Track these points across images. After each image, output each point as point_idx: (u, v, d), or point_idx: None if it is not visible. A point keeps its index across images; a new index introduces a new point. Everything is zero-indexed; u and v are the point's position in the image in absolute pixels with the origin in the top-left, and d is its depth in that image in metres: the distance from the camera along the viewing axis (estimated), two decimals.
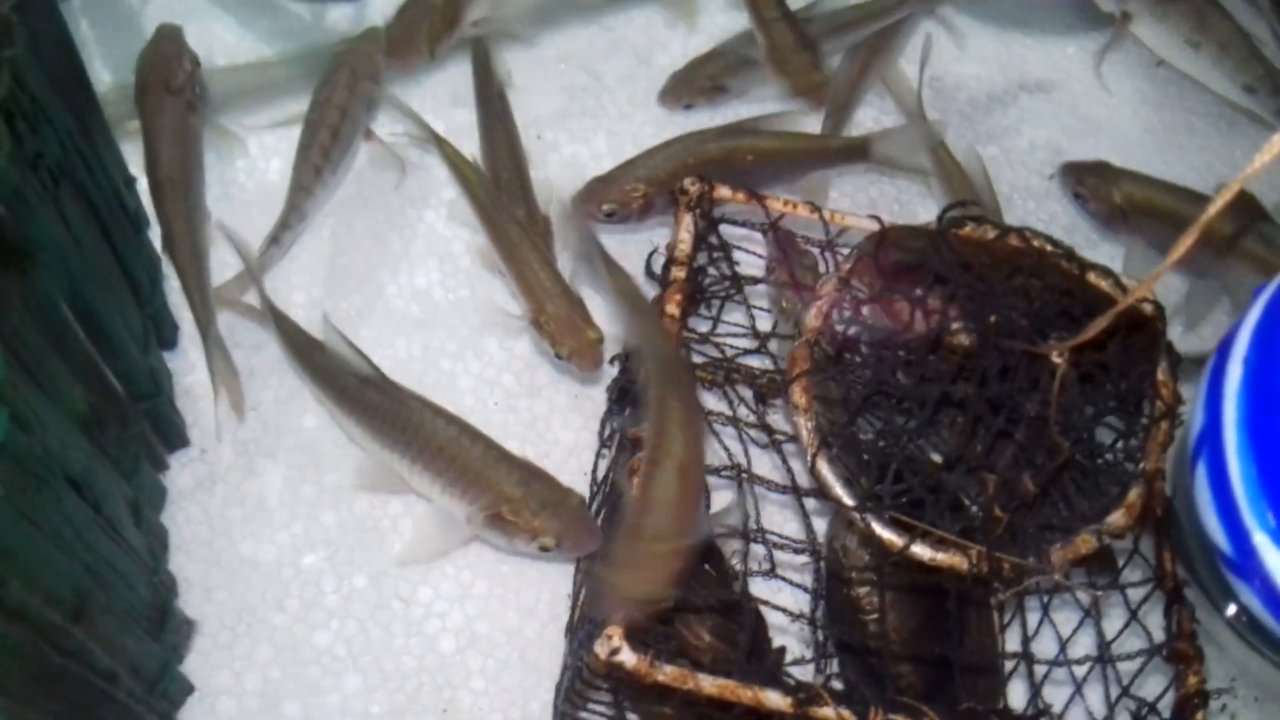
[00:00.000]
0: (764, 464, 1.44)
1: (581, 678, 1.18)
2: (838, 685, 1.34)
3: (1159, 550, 1.30)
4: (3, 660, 0.94)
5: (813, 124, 1.85)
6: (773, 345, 1.48)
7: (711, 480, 1.35)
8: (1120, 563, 1.34)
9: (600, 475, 1.46)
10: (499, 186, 1.68)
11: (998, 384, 1.26)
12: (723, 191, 1.42)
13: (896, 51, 1.93)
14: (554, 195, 1.70)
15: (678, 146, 1.69)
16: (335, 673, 1.43)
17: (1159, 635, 1.29)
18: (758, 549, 1.31)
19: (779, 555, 1.30)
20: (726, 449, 1.35)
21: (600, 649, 1.10)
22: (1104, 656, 1.30)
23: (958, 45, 2.00)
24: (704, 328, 1.47)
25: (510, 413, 1.61)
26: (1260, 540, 1.24)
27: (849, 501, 1.25)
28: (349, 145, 1.70)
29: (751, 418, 1.43)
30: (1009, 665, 1.38)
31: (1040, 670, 1.31)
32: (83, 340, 1.26)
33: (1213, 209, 0.95)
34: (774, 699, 1.12)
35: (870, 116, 1.90)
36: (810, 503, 1.35)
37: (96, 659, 1.11)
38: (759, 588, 1.31)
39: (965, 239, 1.37)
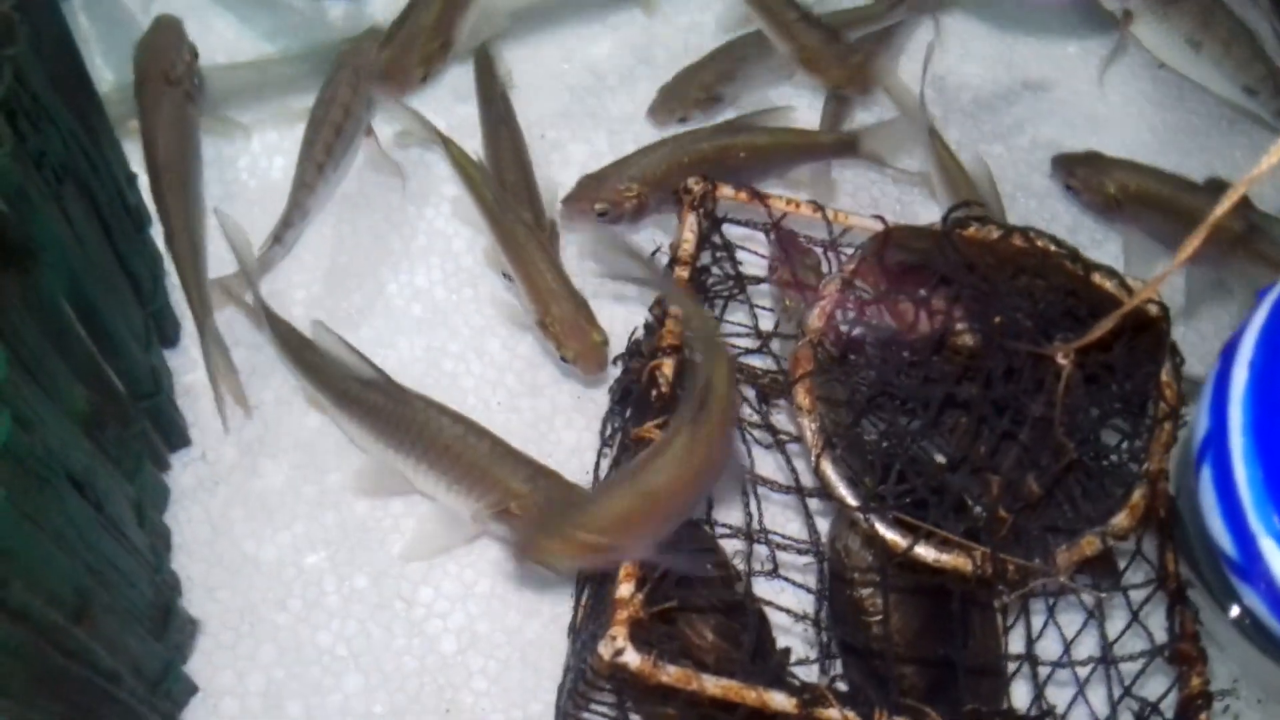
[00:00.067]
0: (767, 464, 1.44)
1: (585, 678, 1.18)
2: (842, 687, 1.33)
3: (1162, 551, 1.30)
4: (5, 661, 0.94)
5: (810, 120, 1.85)
6: (775, 345, 1.48)
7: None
8: (1123, 564, 1.33)
9: (603, 475, 1.45)
10: (504, 188, 1.67)
11: (1002, 385, 1.25)
12: (726, 191, 1.41)
13: (896, 49, 1.92)
14: (558, 197, 1.69)
15: (671, 145, 1.69)
16: (337, 673, 1.43)
17: (1161, 636, 1.29)
18: (760, 549, 1.30)
19: (782, 555, 1.29)
20: None
21: (604, 649, 1.10)
22: (1107, 657, 1.29)
23: (960, 45, 2.00)
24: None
25: (513, 413, 1.60)
26: (1266, 545, 1.24)
27: (853, 502, 1.24)
28: (352, 143, 1.70)
29: (755, 417, 1.43)
30: (1012, 666, 1.37)
31: (1043, 671, 1.31)
32: (84, 339, 1.26)
33: (1218, 211, 0.95)
34: (779, 700, 1.11)
35: (873, 116, 1.89)
36: (813, 503, 1.34)
37: (99, 659, 1.11)
38: (762, 588, 1.31)
39: (969, 239, 1.36)
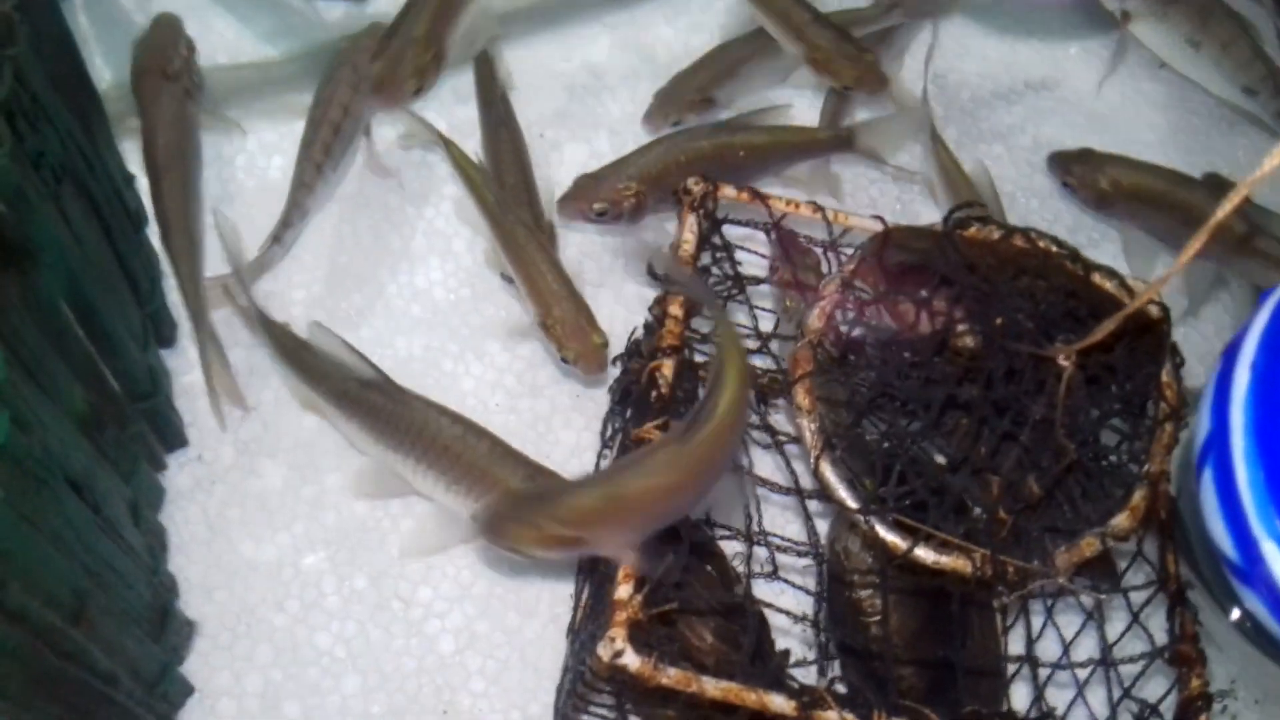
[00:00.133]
0: (766, 464, 1.44)
1: (584, 680, 1.17)
2: (841, 688, 1.33)
3: (1162, 552, 1.29)
4: (2, 663, 0.94)
5: (809, 117, 1.85)
6: (775, 345, 1.48)
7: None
8: (1123, 565, 1.33)
9: None
10: (503, 189, 1.67)
11: (1003, 386, 1.25)
12: (727, 191, 1.41)
13: (898, 50, 1.92)
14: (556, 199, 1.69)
15: (669, 144, 1.69)
16: (335, 674, 1.43)
17: (1160, 637, 1.29)
18: (759, 550, 1.30)
19: (781, 557, 1.29)
20: None
21: (603, 651, 1.10)
22: (1106, 659, 1.29)
23: (960, 44, 1.99)
24: (706, 327, 1.46)
25: (512, 413, 1.60)
26: (1268, 548, 1.24)
27: (852, 504, 1.24)
28: (351, 143, 1.70)
29: (753, 418, 1.42)
30: (1011, 668, 1.37)
31: (1043, 673, 1.31)
32: (83, 340, 1.25)
33: (1220, 213, 0.94)
34: (778, 702, 1.11)
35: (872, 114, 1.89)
36: (812, 504, 1.34)
37: (96, 661, 1.11)
38: (761, 589, 1.31)
39: (970, 240, 1.36)
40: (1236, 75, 1.94)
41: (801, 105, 1.86)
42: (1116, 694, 1.29)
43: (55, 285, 1.20)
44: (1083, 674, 1.32)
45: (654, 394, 1.27)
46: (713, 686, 1.11)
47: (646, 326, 1.44)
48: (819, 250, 1.43)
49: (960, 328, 1.29)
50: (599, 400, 1.58)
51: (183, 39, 1.66)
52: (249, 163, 1.73)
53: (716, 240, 1.42)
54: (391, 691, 1.42)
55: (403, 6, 1.70)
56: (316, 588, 1.47)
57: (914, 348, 1.30)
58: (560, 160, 1.79)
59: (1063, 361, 1.22)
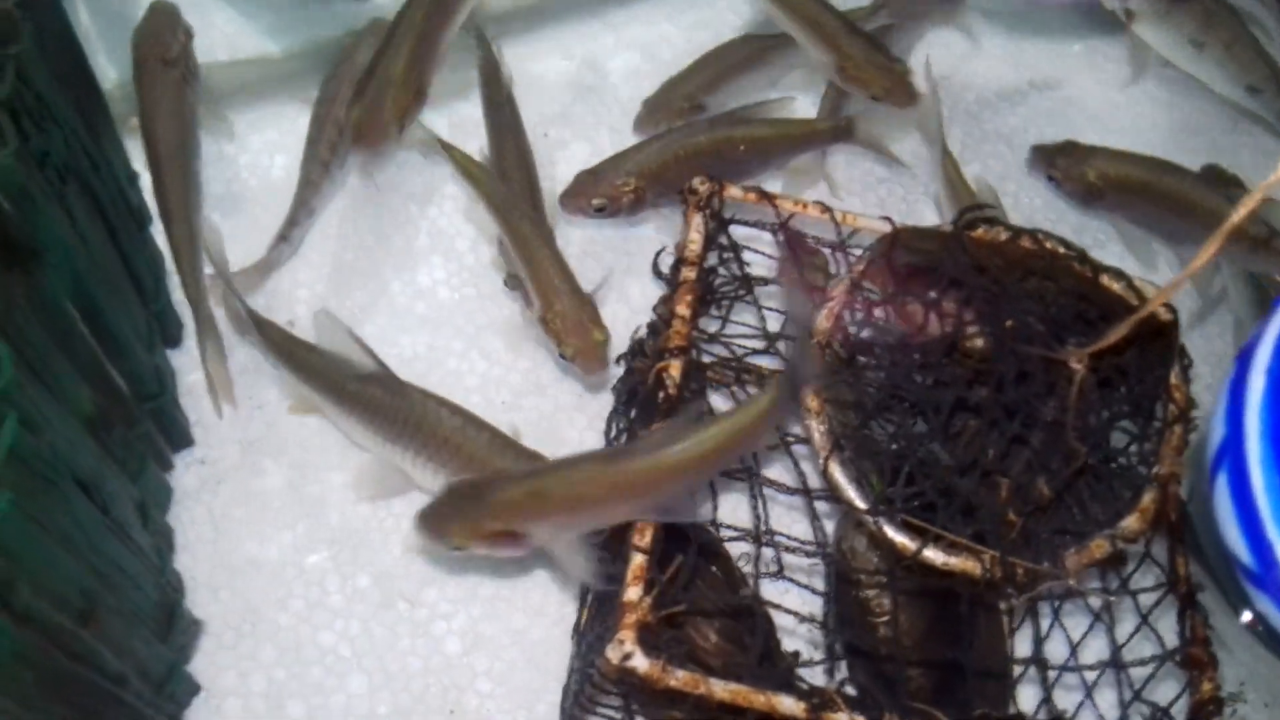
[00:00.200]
0: (772, 464, 1.43)
1: (592, 682, 1.17)
2: (849, 689, 1.33)
3: (1172, 555, 1.29)
4: (12, 665, 0.93)
5: (807, 111, 1.85)
6: (782, 345, 1.47)
7: (723, 483, 1.35)
8: (1131, 567, 1.33)
9: None
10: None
11: (1014, 389, 1.25)
12: (733, 191, 1.40)
13: (900, 48, 1.91)
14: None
15: (668, 139, 1.68)
16: (340, 673, 1.42)
17: (1170, 639, 1.29)
18: (765, 550, 1.30)
19: (787, 556, 1.29)
20: None
21: (612, 654, 1.10)
22: (1117, 661, 1.29)
23: (964, 44, 1.99)
24: (712, 327, 1.46)
25: (516, 411, 1.60)
26: None
27: (861, 505, 1.24)
28: None
29: None
30: (1019, 669, 1.37)
31: (1051, 675, 1.31)
32: (89, 340, 1.25)
33: (1235, 217, 0.94)
34: (787, 704, 1.11)
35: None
36: (819, 504, 1.34)
37: (105, 662, 1.10)
38: (766, 589, 1.30)
39: (977, 241, 1.36)
40: (1240, 74, 1.93)
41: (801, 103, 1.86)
42: (1125, 696, 1.29)
43: (60, 285, 1.20)
44: (1091, 676, 1.32)
45: (661, 395, 1.27)
46: (721, 688, 1.11)
47: (651, 326, 1.44)
48: (827, 250, 1.42)
49: (970, 330, 1.29)
50: (603, 399, 1.57)
51: (180, 25, 1.66)
52: (252, 162, 1.73)
53: (723, 240, 1.41)
54: (397, 691, 1.42)
55: (380, 45, 1.66)
56: (321, 587, 1.46)
57: (923, 349, 1.30)
58: (564, 159, 1.78)
59: (1074, 364, 1.22)
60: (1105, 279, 1.35)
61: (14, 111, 1.12)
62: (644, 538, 1.18)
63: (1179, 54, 1.97)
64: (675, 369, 1.28)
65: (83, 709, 1.07)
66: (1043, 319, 1.29)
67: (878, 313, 1.32)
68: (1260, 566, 1.25)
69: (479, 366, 1.62)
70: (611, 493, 1.22)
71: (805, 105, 1.86)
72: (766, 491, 1.32)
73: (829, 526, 1.40)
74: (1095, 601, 1.35)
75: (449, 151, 1.67)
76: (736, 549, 1.34)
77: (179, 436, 1.49)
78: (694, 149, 1.66)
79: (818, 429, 1.28)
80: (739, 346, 1.46)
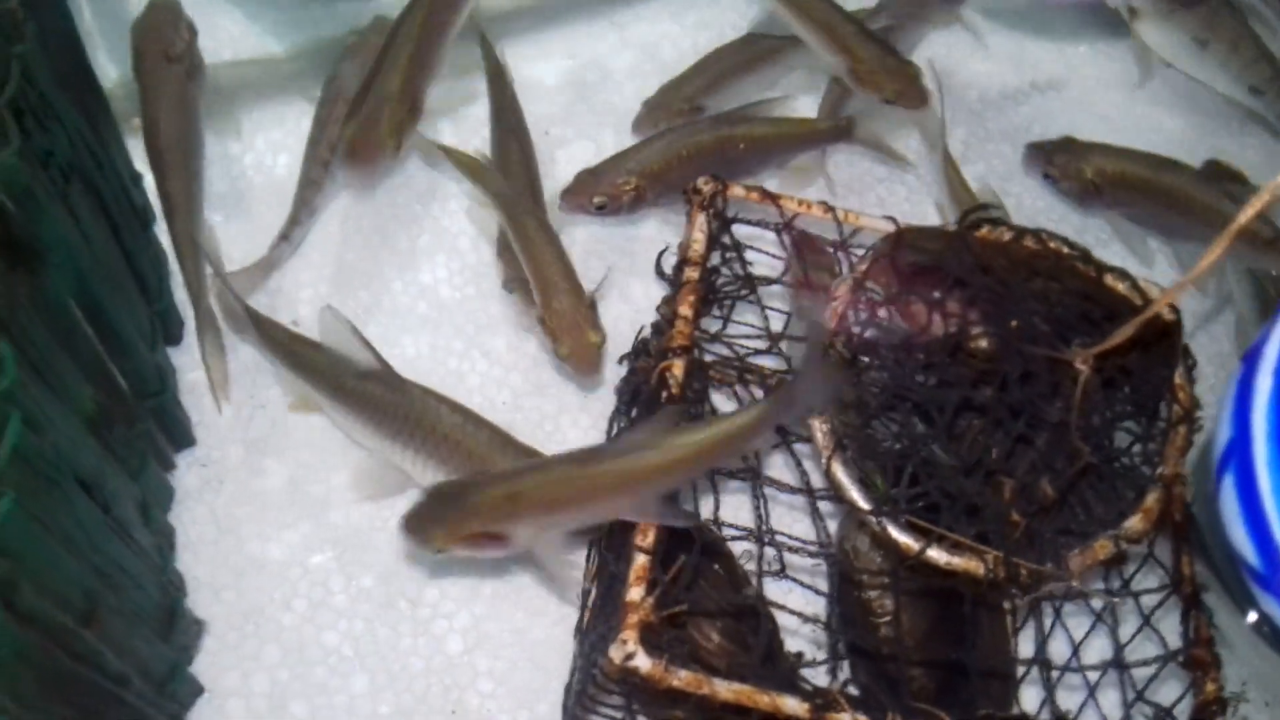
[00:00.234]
0: (774, 463, 1.43)
1: (594, 681, 1.17)
2: (851, 690, 1.33)
3: (1177, 555, 1.29)
4: (14, 666, 0.93)
5: (808, 109, 1.85)
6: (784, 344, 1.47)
7: (725, 483, 1.35)
8: (1134, 568, 1.33)
9: None
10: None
11: (1019, 389, 1.24)
12: (737, 191, 1.40)
13: (903, 48, 1.91)
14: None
15: (669, 138, 1.68)
16: (343, 673, 1.42)
17: (1173, 640, 1.28)
18: (767, 549, 1.30)
19: (789, 556, 1.28)
20: None
21: (615, 654, 1.09)
22: (1120, 662, 1.29)
23: (968, 43, 1.99)
24: (715, 326, 1.46)
25: (518, 412, 1.60)
26: None
27: (864, 505, 1.24)
28: None
29: None
30: (1022, 669, 1.36)
31: (1054, 675, 1.30)
32: (91, 339, 1.25)
33: (1242, 218, 0.93)
34: (791, 705, 1.11)
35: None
36: (821, 503, 1.34)
37: (107, 662, 1.10)
38: (769, 588, 1.30)
39: (981, 241, 1.36)
40: (1243, 74, 1.93)
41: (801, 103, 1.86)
42: (1128, 697, 1.28)
43: (64, 285, 1.19)
44: (1093, 676, 1.32)
45: (664, 395, 1.26)
46: (725, 689, 1.11)
47: (655, 326, 1.44)
48: (830, 250, 1.42)
49: (974, 330, 1.28)
50: (606, 399, 1.57)
51: (183, 20, 1.66)
52: (256, 161, 1.73)
53: (726, 240, 1.41)
54: (399, 691, 1.42)
55: (374, 61, 1.64)
56: (324, 587, 1.46)
57: (927, 349, 1.30)
58: (567, 158, 1.78)
59: (1079, 365, 1.21)
60: (1109, 279, 1.35)
61: (18, 111, 1.12)
62: (647, 538, 1.18)
63: (1182, 54, 1.96)
64: (678, 369, 1.28)
65: (84, 709, 1.07)
66: (1047, 319, 1.28)
67: (881, 312, 1.32)
68: (1266, 567, 1.25)
69: (480, 366, 1.62)
70: (588, 493, 1.23)
71: (806, 105, 1.86)
72: (769, 490, 1.31)
73: (831, 526, 1.40)
74: (1096, 602, 1.34)
75: (451, 155, 1.67)
76: (738, 548, 1.34)
77: (181, 435, 1.49)
78: (695, 148, 1.66)
79: (820, 429, 1.27)
80: (741, 346, 1.45)
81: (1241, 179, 1.83)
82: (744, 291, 1.43)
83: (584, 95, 1.86)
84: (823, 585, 1.38)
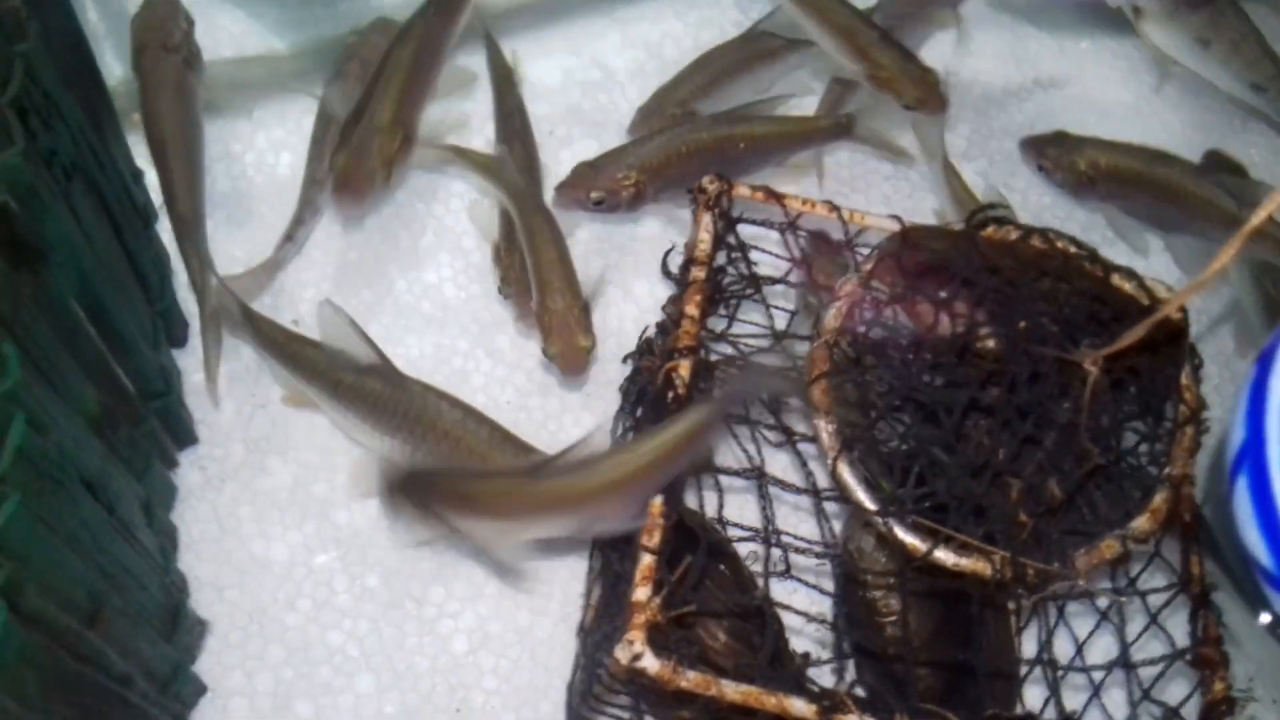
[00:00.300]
0: (778, 461, 1.42)
1: (601, 682, 1.17)
2: (860, 692, 1.32)
3: (1185, 555, 1.28)
4: (19, 668, 0.93)
5: (807, 108, 1.84)
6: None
7: (729, 481, 1.34)
8: (1140, 567, 1.33)
9: None
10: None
11: (1027, 390, 1.24)
12: (742, 190, 1.40)
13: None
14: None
15: (670, 135, 1.67)
16: (348, 673, 1.42)
17: (1181, 639, 1.28)
18: (772, 549, 1.29)
19: (795, 556, 1.28)
20: (745, 450, 1.33)
21: (622, 654, 1.09)
22: (1128, 661, 1.28)
23: (970, 40, 1.98)
24: (719, 325, 1.46)
25: (522, 411, 1.59)
26: None
27: (871, 506, 1.23)
28: None
29: (768, 417, 1.41)
30: (1027, 669, 1.36)
31: (1060, 675, 1.30)
32: (95, 339, 1.24)
33: (1255, 219, 0.93)
34: (798, 706, 1.11)
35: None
36: (826, 503, 1.33)
37: (111, 663, 1.10)
38: (773, 588, 1.30)
39: (988, 240, 1.35)
40: (1245, 73, 1.92)
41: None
42: (1134, 696, 1.28)
43: (67, 284, 1.19)
44: (1099, 676, 1.31)
45: (670, 394, 1.26)
46: (732, 690, 1.11)
47: (660, 326, 1.43)
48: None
49: (982, 330, 1.28)
50: (610, 398, 1.56)
51: (181, 11, 1.66)
52: (258, 160, 1.72)
53: (731, 240, 1.40)
54: (405, 690, 1.42)
55: (366, 87, 1.63)
56: (328, 586, 1.46)
57: (934, 349, 1.29)
58: (570, 157, 1.77)
59: (1089, 366, 1.21)
60: (1116, 278, 1.35)
61: (22, 110, 1.12)
62: (653, 538, 1.17)
63: (1185, 52, 1.96)
64: (685, 369, 1.28)
65: (87, 710, 1.06)
66: (1056, 320, 1.28)
67: (887, 312, 1.31)
68: None
69: (484, 365, 1.62)
70: (531, 510, 1.24)
71: (805, 103, 1.85)
72: (773, 490, 1.31)
73: (836, 526, 1.39)
74: (1101, 601, 1.34)
75: (462, 154, 1.66)
76: (743, 548, 1.34)
77: (184, 435, 1.49)
78: (695, 145, 1.65)
79: (826, 429, 1.27)
80: (746, 345, 1.45)
81: (1242, 170, 1.84)
82: (749, 291, 1.42)
83: (587, 94, 1.85)
84: (828, 585, 1.37)
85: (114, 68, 1.70)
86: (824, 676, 1.28)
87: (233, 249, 1.62)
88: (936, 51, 1.89)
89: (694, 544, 1.21)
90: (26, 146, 1.09)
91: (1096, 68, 2.00)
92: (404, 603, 1.46)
